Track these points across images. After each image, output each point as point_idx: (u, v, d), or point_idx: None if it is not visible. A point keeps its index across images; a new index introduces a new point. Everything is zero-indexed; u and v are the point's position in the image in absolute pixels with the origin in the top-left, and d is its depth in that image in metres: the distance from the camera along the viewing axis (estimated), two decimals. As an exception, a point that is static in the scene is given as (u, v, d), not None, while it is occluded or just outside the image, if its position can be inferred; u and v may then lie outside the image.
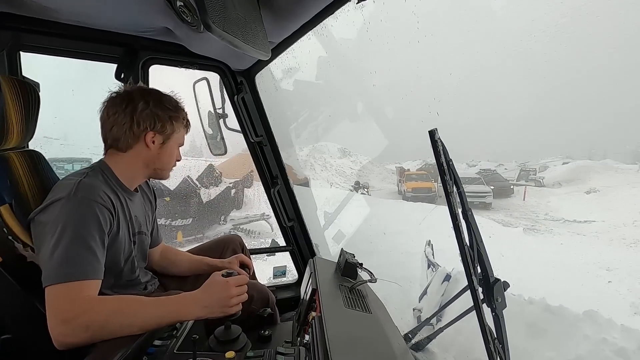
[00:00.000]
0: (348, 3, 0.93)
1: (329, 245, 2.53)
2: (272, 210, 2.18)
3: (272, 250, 2.28)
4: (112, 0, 1.23)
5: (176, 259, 1.53)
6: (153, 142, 1.17)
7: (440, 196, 18.18)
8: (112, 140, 1.15)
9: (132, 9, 1.30)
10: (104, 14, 1.38)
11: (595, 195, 18.24)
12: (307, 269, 1.33)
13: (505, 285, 1.04)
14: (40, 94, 1.50)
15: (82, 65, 1.79)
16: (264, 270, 2.32)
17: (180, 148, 1.31)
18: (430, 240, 3.96)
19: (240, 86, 1.90)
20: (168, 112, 1.18)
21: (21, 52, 1.49)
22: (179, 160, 1.31)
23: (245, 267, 1.41)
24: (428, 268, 3.57)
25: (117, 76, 1.62)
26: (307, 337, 0.92)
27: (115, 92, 1.17)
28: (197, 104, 2.04)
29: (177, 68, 1.86)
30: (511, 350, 1.11)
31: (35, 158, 1.24)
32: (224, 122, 2.05)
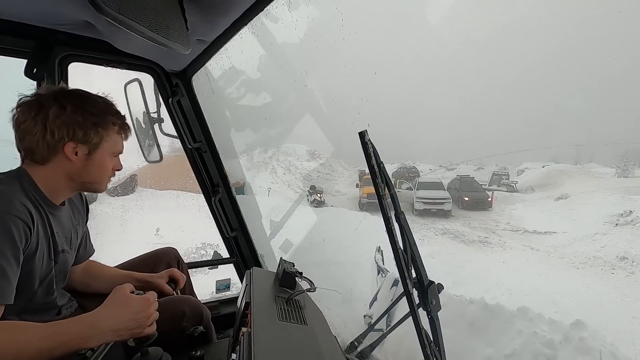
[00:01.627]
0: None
1: (275, 255, 2.45)
2: (214, 220, 2.07)
3: (214, 262, 2.16)
4: (17, -13, 1.09)
5: (99, 274, 1.36)
6: (76, 154, 1.01)
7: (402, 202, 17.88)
8: (26, 151, 1.00)
9: None
10: (7, 1, 1.22)
11: (564, 202, 16.97)
12: (244, 281, 1.25)
13: (439, 287, 1.04)
14: None
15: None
16: (207, 284, 2.19)
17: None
18: (380, 247, 4.01)
19: (176, 89, 1.79)
20: (91, 117, 1.02)
21: None
22: (118, 170, 1.16)
23: (172, 282, 1.30)
24: (378, 274, 3.62)
25: (28, 73, 1.44)
26: (233, 355, 0.85)
27: (25, 96, 1.01)
28: (128, 107, 1.89)
29: (105, 67, 1.71)
30: (455, 349, 1.12)
31: None
32: (159, 127, 1.92)
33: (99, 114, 1.04)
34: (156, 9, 0.69)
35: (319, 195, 17.58)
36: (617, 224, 12.86)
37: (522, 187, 21.97)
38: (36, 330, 0.80)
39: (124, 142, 1.16)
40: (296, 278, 1.24)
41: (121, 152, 1.14)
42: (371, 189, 17.55)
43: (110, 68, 1.67)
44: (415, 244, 0.99)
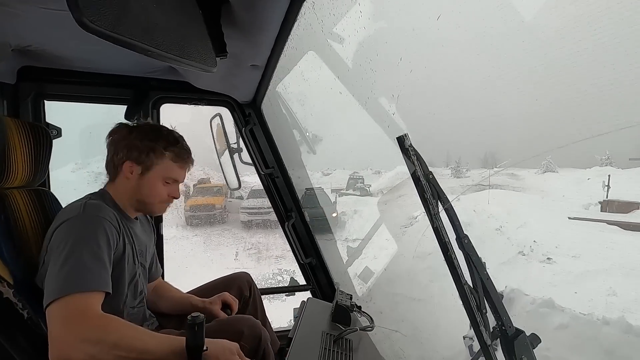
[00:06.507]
0: (304, 4, 0.84)
1: (353, 283, 2.29)
2: (289, 245, 2.05)
3: (290, 289, 2.11)
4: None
5: (164, 294, 1.44)
6: (131, 172, 1.16)
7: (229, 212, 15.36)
8: (106, 169, 1.20)
9: None
10: (111, 57, 1.46)
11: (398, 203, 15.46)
12: (297, 313, 1.15)
13: (534, 339, 0.75)
14: (62, 138, 1.63)
15: (103, 109, 1.93)
16: (284, 311, 2.15)
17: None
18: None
19: (249, 118, 1.87)
20: (148, 143, 1.16)
21: (45, 101, 1.63)
22: (175, 197, 1.26)
23: (228, 307, 1.27)
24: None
25: (128, 117, 1.69)
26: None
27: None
28: (213, 139, 2.06)
29: (189, 105, 1.90)
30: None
31: (43, 196, 1.28)
32: (239, 157, 2.03)
33: (155, 141, 1.17)
34: (172, 30, 0.69)
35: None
36: (406, 228, 11.76)
37: (374, 190, 22.58)
38: (145, 332, 0.91)
39: (184, 172, 1.25)
40: (353, 313, 1.09)
41: (178, 180, 1.23)
42: (195, 201, 15.39)
43: (193, 105, 1.86)
44: (489, 277, 0.74)
